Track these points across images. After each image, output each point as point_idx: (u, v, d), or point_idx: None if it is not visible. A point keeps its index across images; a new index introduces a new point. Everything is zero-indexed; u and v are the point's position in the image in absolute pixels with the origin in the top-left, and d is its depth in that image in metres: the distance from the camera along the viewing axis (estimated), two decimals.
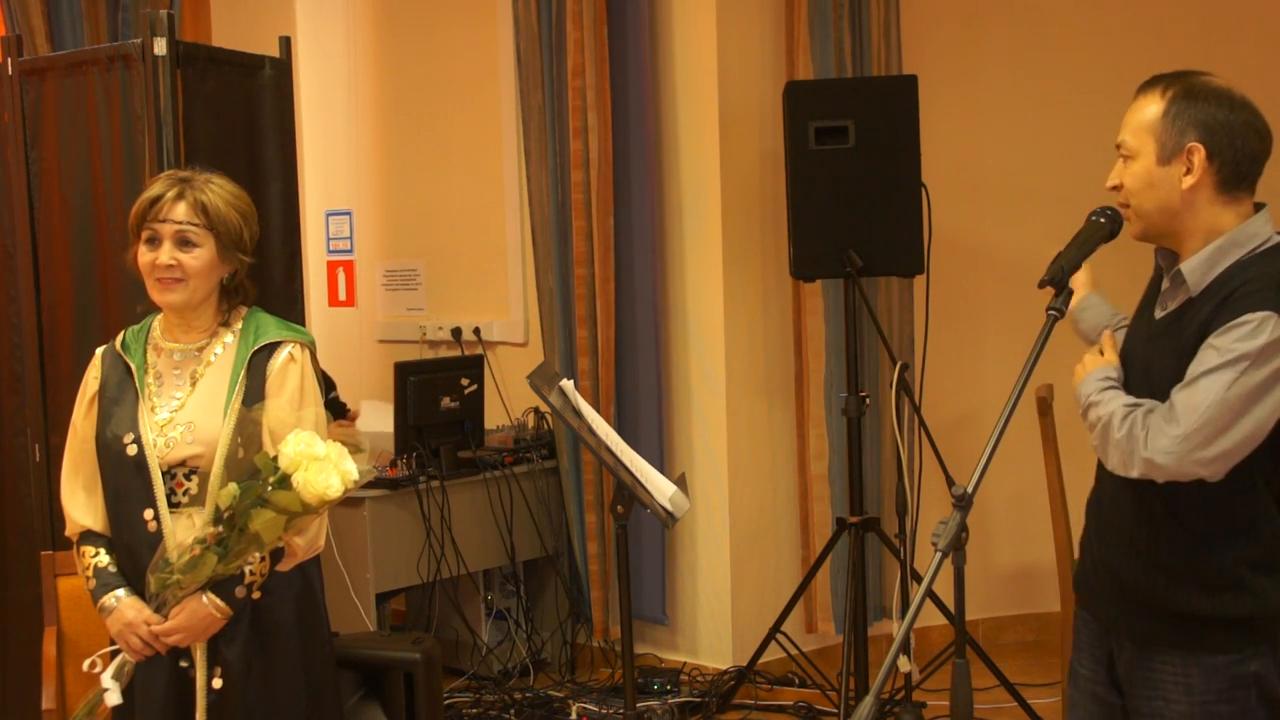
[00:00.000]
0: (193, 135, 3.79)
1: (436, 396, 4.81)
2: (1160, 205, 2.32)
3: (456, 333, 5.48)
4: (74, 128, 3.93)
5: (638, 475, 3.15)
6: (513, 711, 4.69)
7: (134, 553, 2.68)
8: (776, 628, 4.64)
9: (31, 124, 3.99)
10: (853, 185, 4.40)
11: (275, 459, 2.53)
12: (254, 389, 2.70)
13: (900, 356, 4.61)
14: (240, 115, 4.01)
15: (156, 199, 2.69)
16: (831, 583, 4.95)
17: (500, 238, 5.46)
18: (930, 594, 2.42)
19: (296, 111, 4.21)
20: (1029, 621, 5.35)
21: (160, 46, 3.72)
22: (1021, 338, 2.62)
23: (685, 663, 4.98)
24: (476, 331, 5.43)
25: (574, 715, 4.59)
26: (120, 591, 2.68)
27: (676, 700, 4.62)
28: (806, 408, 4.96)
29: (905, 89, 4.44)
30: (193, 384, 2.73)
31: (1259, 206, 2.34)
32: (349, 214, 5.97)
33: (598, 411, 3.33)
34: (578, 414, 3.18)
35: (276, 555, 2.69)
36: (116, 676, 2.67)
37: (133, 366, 2.74)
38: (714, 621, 4.98)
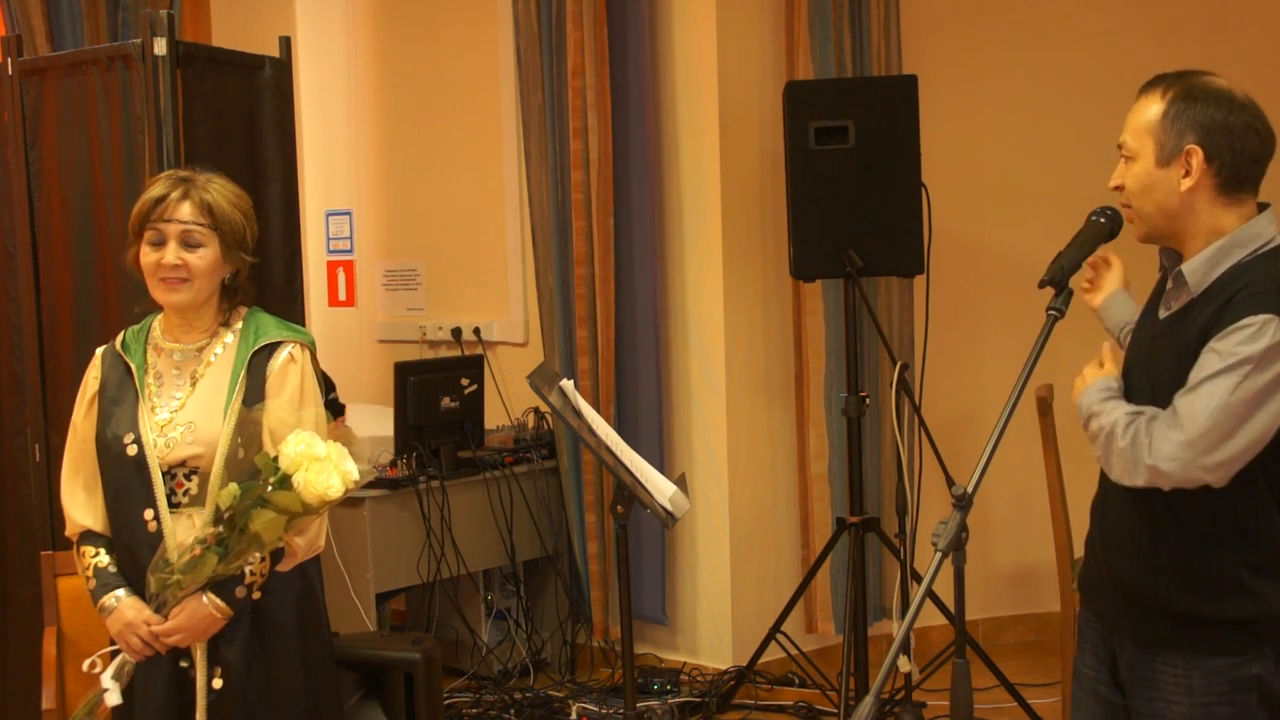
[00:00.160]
0: (193, 135, 3.79)
1: (436, 396, 4.81)
2: (1160, 207, 2.32)
3: (456, 333, 5.48)
4: (74, 128, 3.93)
5: (638, 475, 3.15)
6: (513, 711, 4.69)
7: (134, 553, 2.68)
8: (776, 628, 4.64)
9: (31, 124, 3.99)
10: (853, 185, 4.39)
11: (276, 459, 2.53)
12: (254, 389, 2.70)
13: (900, 356, 4.61)
14: (240, 115, 4.01)
15: (161, 199, 2.68)
16: (831, 583, 4.95)
17: (500, 238, 5.46)
18: (930, 594, 2.42)
19: (296, 111, 4.21)
20: (1029, 621, 5.35)
21: (160, 46, 3.72)
22: (1021, 338, 2.62)
23: (685, 663, 4.98)
24: (476, 331, 5.43)
25: (574, 715, 4.59)
26: (120, 591, 2.68)
27: (676, 700, 4.62)
28: (806, 408, 4.96)
29: (905, 89, 4.44)
30: (193, 384, 2.73)
31: (1263, 207, 2.33)
32: (349, 214, 5.97)
33: (598, 411, 3.33)
34: (578, 414, 3.18)
35: (277, 555, 2.69)
36: (116, 677, 2.67)
37: (133, 366, 2.74)
38: (714, 621, 4.98)
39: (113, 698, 2.65)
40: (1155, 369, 2.34)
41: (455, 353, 5.46)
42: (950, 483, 3.79)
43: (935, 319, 4.73)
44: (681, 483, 3.27)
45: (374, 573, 4.58)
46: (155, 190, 2.71)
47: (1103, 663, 2.46)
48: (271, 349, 2.75)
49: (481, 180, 5.52)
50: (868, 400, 4.58)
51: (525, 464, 5.01)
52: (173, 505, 2.67)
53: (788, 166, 4.50)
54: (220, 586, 2.63)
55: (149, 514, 2.66)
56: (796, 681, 4.81)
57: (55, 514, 3.41)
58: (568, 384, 3.18)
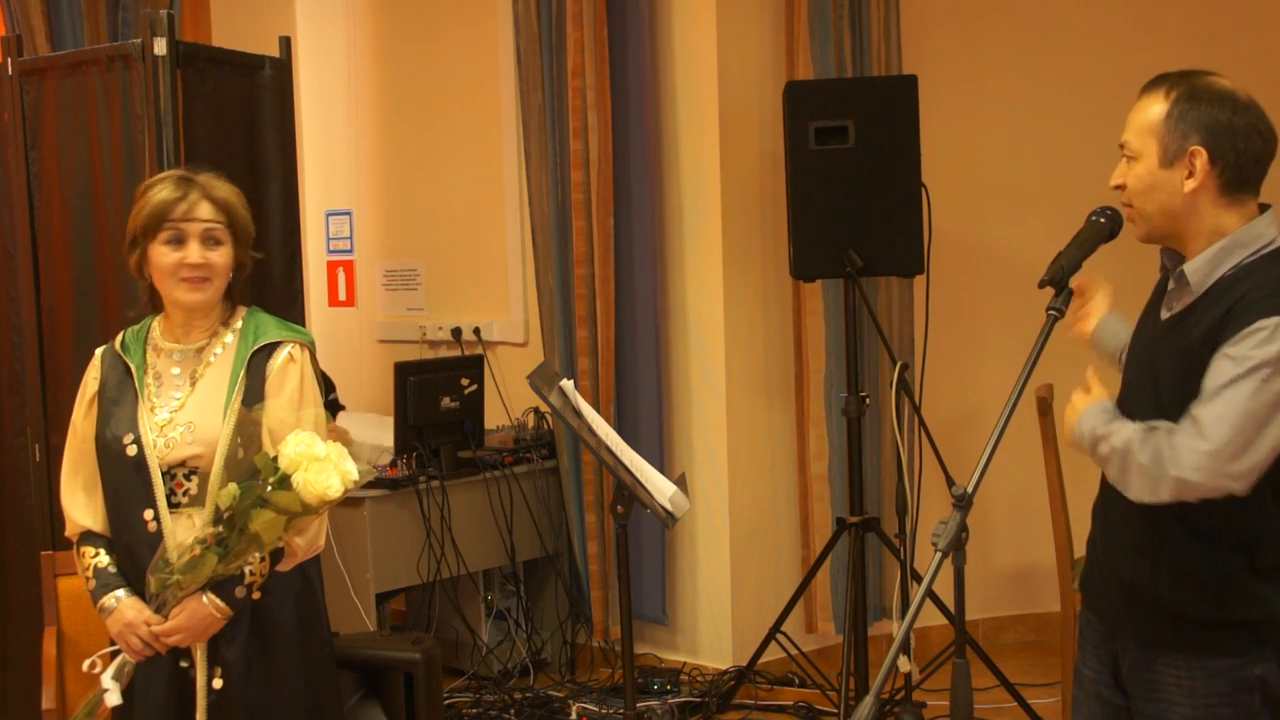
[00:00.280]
0: (193, 135, 3.79)
1: (436, 396, 4.81)
2: (1162, 208, 2.31)
3: (456, 333, 5.48)
4: (74, 128, 3.93)
5: (638, 475, 3.15)
6: (513, 711, 4.69)
7: (134, 553, 2.68)
8: (776, 628, 4.64)
9: (31, 124, 3.99)
10: (853, 185, 4.39)
11: (275, 459, 2.53)
12: (254, 389, 2.70)
13: (900, 356, 4.61)
14: (240, 115, 4.01)
15: (178, 199, 2.68)
16: (831, 583, 4.95)
17: (500, 238, 5.46)
18: (930, 594, 2.41)
19: (296, 111, 4.22)
20: (1029, 621, 5.35)
21: (160, 46, 3.72)
22: (1021, 338, 2.62)
23: (685, 663, 4.98)
24: (476, 331, 5.43)
25: (574, 715, 4.58)
26: (120, 592, 2.68)
27: (676, 700, 4.62)
28: (806, 408, 4.96)
29: (905, 89, 4.44)
30: (192, 384, 2.73)
31: (1264, 207, 2.32)
32: (349, 214, 5.97)
33: (598, 411, 3.33)
34: (578, 414, 3.18)
35: (276, 555, 2.69)
36: (116, 677, 2.67)
37: (132, 367, 2.74)
38: (714, 621, 4.98)
39: (113, 698, 2.65)
40: (1157, 370, 2.33)
41: (455, 353, 5.46)
42: (950, 483, 3.79)
43: (935, 319, 4.73)
44: (681, 483, 3.27)
45: (374, 573, 4.58)
46: (165, 191, 2.69)
47: (1104, 664, 2.46)
48: (271, 349, 2.75)
49: (481, 180, 5.52)
50: (868, 400, 4.58)
51: (525, 464, 5.01)
52: (172, 505, 2.67)
53: (788, 166, 4.50)
54: (220, 586, 2.63)
55: (149, 514, 2.66)
56: (796, 681, 4.81)
57: (55, 514, 3.41)
58: (568, 384, 3.18)
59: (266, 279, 3.90)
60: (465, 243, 5.60)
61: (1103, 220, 2.44)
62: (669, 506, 3.14)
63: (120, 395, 2.73)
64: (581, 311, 4.94)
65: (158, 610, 2.64)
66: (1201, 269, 2.29)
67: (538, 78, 5.00)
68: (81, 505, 2.76)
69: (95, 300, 3.92)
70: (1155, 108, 2.30)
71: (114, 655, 2.71)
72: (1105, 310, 2.65)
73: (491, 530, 4.91)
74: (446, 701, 4.56)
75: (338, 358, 5.58)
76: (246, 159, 3.99)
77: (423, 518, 4.70)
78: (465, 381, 4.92)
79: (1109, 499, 2.43)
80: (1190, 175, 2.27)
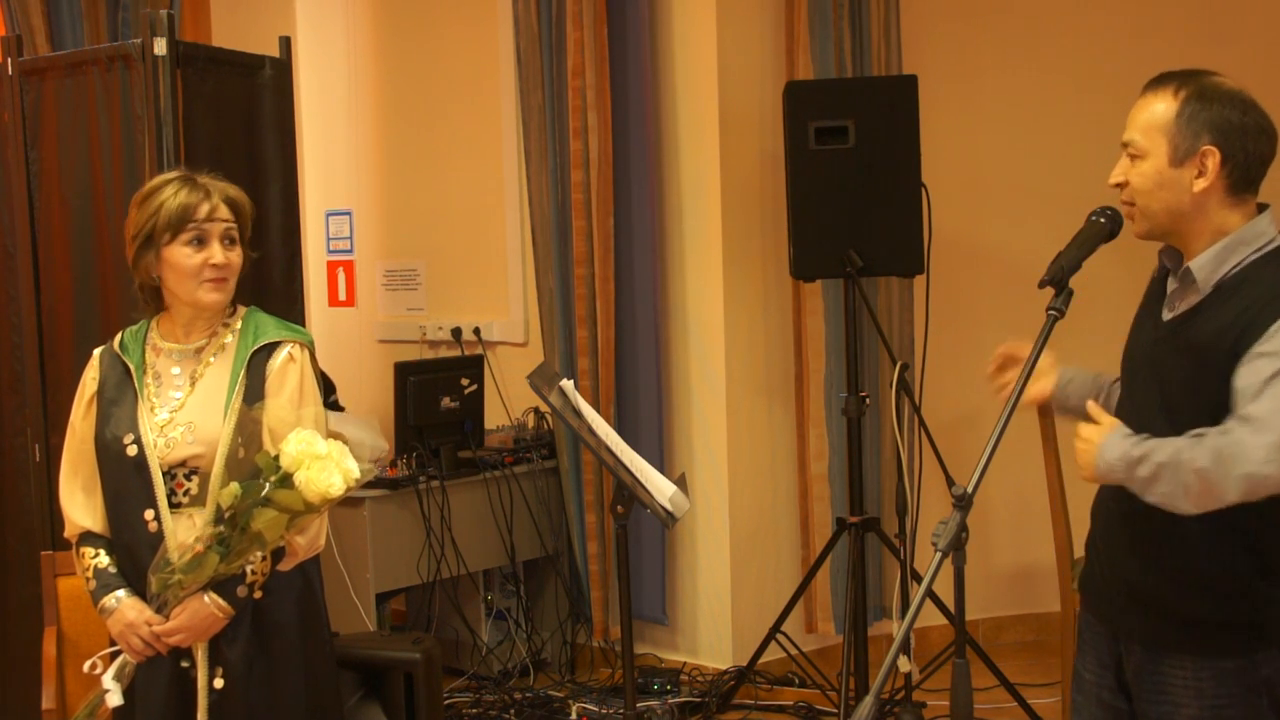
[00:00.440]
0: (193, 135, 3.79)
1: (436, 396, 4.81)
2: (1168, 206, 2.31)
3: (456, 333, 5.48)
4: (74, 128, 3.93)
5: (638, 475, 3.15)
6: (513, 711, 4.69)
7: (134, 553, 2.68)
8: (776, 628, 4.64)
9: (31, 124, 3.99)
10: (853, 185, 4.39)
11: (277, 458, 2.53)
12: (254, 389, 2.71)
13: (900, 356, 4.61)
14: (240, 115, 4.01)
15: (200, 200, 2.69)
16: (831, 583, 4.95)
17: (500, 238, 5.46)
18: (930, 594, 2.41)
19: (296, 111, 4.22)
20: (1029, 621, 5.34)
21: (160, 46, 3.72)
22: (1021, 338, 2.62)
23: (685, 663, 4.98)
24: (476, 331, 5.43)
25: (574, 715, 4.58)
26: (121, 592, 2.68)
27: (676, 700, 4.62)
28: (806, 408, 4.96)
29: (905, 89, 4.44)
30: (192, 384, 2.73)
31: (1262, 207, 2.33)
32: (349, 214, 5.97)
33: (598, 411, 3.33)
34: (578, 414, 3.18)
35: (277, 555, 2.69)
36: (117, 677, 2.67)
37: (131, 367, 2.74)
38: (714, 621, 4.98)
39: (114, 699, 2.65)
40: (1164, 370, 2.32)
41: (455, 353, 5.46)
42: (950, 483, 3.79)
43: (935, 319, 4.73)
44: (681, 483, 3.27)
45: (374, 573, 4.58)
46: (185, 193, 2.69)
47: (1106, 668, 2.44)
48: (271, 349, 2.75)
49: (481, 180, 5.52)
50: (868, 400, 4.58)
51: (525, 464, 5.01)
52: (173, 505, 2.67)
53: (788, 166, 4.50)
54: (222, 586, 2.63)
55: (149, 514, 2.66)
56: (796, 681, 4.81)
57: (55, 514, 3.41)
58: (568, 384, 3.18)
59: (266, 279, 3.90)
60: (465, 243, 5.60)
61: (1102, 220, 2.43)
62: (669, 506, 3.14)
63: (120, 395, 2.73)
64: (581, 311, 4.94)
65: (159, 610, 2.64)
66: (1207, 266, 2.28)
67: (538, 78, 5.00)
68: (80, 506, 2.76)
69: (95, 300, 3.92)
70: (1163, 106, 2.29)
71: (114, 656, 2.71)
72: (1051, 366, 2.60)
73: (491, 530, 4.91)
74: (446, 701, 4.56)
75: (338, 358, 5.58)
76: (246, 159, 3.99)
77: (423, 518, 4.70)
78: (465, 381, 4.92)
79: (1110, 500, 2.42)
80: (1200, 175, 2.27)
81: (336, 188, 6.00)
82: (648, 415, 5.00)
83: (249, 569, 2.64)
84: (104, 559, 2.71)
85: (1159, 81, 2.33)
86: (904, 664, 4.21)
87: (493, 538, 4.92)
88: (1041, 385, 2.60)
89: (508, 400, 5.27)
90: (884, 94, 4.50)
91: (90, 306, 3.92)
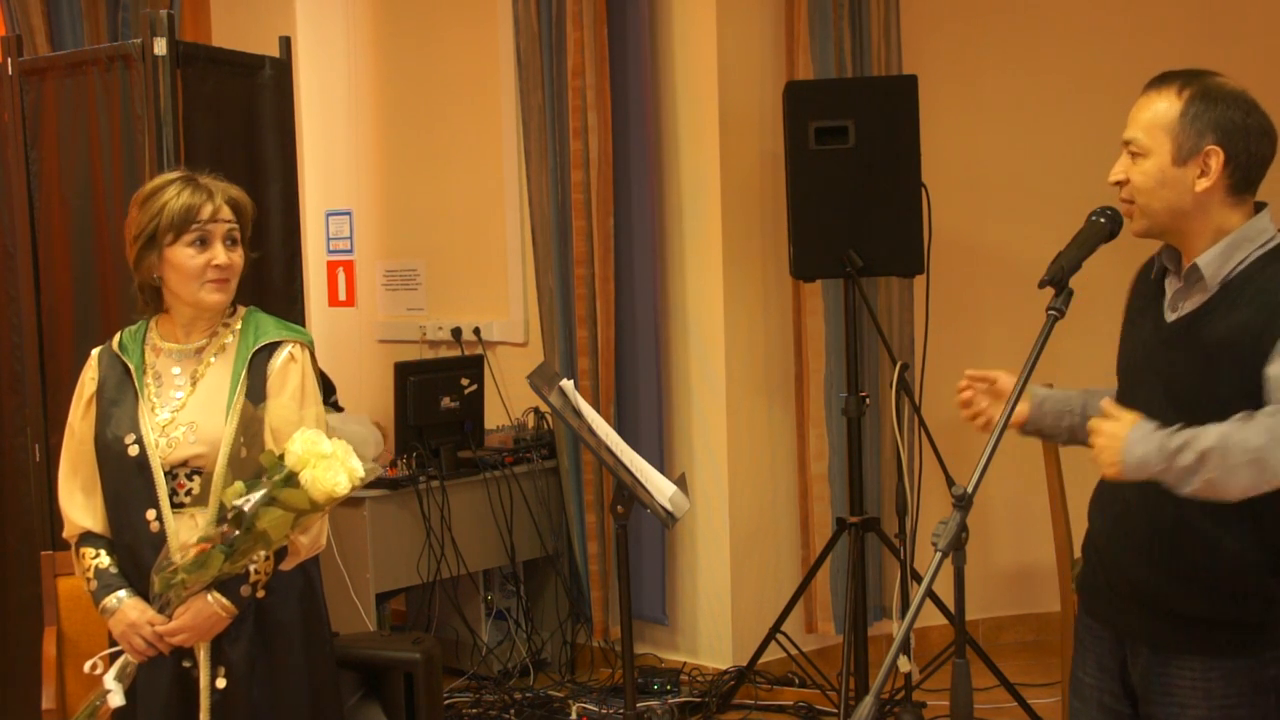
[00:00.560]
0: (193, 135, 3.79)
1: (436, 396, 4.81)
2: (1170, 206, 2.30)
3: (456, 333, 5.48)
4: (74, 128, 3.93)
5: (638, 475, 3.14)
6: (513, 711, 4.69)
7: (136, 553, 2.68)
8: (776, 628, 4.64)
9: (31, 124, 3.99)
10: (853, 185, 4.39)
11: (281, 457, 2.53)
12: (255, 389, 2.71)
13: (900, 356, 4.61)
14: (240, 115, 4.01)
15: (203, 201, 2.69)
16: (831, 583, 4.95)
17: (500, 238, 5.46)
18: (930, 594, 2.40)
19: (296, 111, 4.22)
20: (1029, 621, 5.34)
21: (160, 46, 3.72)
22: (1021, 338, 2.61)
23: (685, 663, 4.98)
24: (476, 331, 5.43)
25: (574, 715, 4.59)
26: (122, 592, 2.67)
27: (676, 700, 4.62)
28: (806, 408, 4.96)
29: (905, 89, 4.44)
30: (193, 384, 2.73)
31: (1259, 205, 2.33)
32: (349, 214, 5.97)
33: (598, 411, 3.33)
34: (578, 414, 3.18)
35: (280, 554, 2.69)
36: (119, 678, 2.66)
37: (131, 367, 2.74)
38: (714, 621, 4.98)
39: (115, 699, 2.64)
40: (1171, 372, 2.30)
41: (455, 353, 5.46)
42: (950, 483, 3.79)
43: (935, 319, 4.73)
44: (681, 483, 3.27)
45: (374, 573, 4.58)
46: (188, 193, 2.69)
47: (1107, 671, 2.42)
48: (271, 349, 2.75)
49: (481, 180, 5.52)
50: (868, 400, 4.58)
51: (525, 464, 5.01)
52: (175, 505, 2.67)
53: (788, 166, 4.50)
54: (225, 585, 2.62)
55: (151, 514, 2.66)
56: (796, 681, 4.81)
57: (55, 514, 3.40)
58: (568, 384, 3.18)
59: (266, 279, 3.90)
60: (465, 243, 5.60)
61: (1103, 220, 2.43)
62: (669, 506, 3.14)
63: (120, 395, 2.73)
64: (581, 311, 4.94)
65: (161, 610, 2.63)
66: (1214, 263, 2.28)
67: (538, 78, 5.00)
68: (80, 506, 2.76)
69: (95, 300, 3.92)
70: (1166, 105, 2.29)
71: (114, 656, 2.71)
72: (1026, 406, 2.56)
73: (491, 530, 4.91)
74: (446, 701, 4.56)
75: (338, 358, 5.58)
76: (246, 159, 3.99)
77: (423, 518, 4.70)
78: (465, 381, 4.92)
79: (1112, 499, 2.41)
80: (1203, 174, 2.27)
81: (336, 188, 6.00)
82: (648, 415, 5.00)
83: (252, 568, 2.64)
84: (104, 559, 2.71)
85: (1162, 80, 2.33)
86: (904, 664, 4.21)
87: (493, 538, 4.92)
88: (1020, 408, 2.56)
89: (508, 400, 5.27)
90: (884, 94, 4.50)
91: (90, 306, 3.92)
